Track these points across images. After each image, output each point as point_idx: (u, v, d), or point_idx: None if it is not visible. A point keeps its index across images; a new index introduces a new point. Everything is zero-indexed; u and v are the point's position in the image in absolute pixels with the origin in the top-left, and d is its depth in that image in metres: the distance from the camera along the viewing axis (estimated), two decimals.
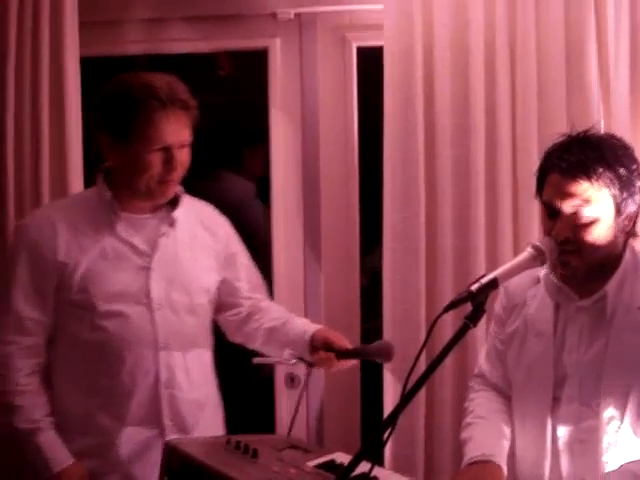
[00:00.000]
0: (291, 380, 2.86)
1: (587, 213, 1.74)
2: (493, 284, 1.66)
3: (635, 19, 2.47)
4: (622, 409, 1.74)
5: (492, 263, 2.46)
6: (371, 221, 2.76)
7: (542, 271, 1.88)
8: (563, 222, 1.76)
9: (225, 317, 2.36)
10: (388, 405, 2.63)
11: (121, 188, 2.17)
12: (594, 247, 1.76)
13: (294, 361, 2.33)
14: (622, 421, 1.74)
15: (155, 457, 2.01)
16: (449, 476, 2.48)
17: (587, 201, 1.73)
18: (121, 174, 2.16)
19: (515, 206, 2.56)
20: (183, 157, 2.13)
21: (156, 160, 2.09)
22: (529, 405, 1.88)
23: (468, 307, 1.65)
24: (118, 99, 2.10)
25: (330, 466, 1.85)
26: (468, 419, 1.99)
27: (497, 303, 2.04)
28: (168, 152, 2.09)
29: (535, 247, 1.74)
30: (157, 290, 2.16)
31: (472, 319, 1.61)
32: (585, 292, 1.82)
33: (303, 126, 2.84)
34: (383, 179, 2.63)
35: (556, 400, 1.83)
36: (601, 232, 1.76)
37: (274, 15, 2.82)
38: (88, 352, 2.14)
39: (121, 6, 2.84)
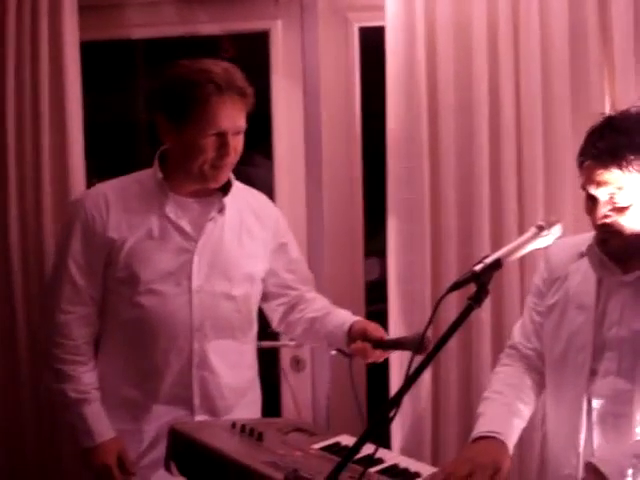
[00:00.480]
0: (296, 363, 2.86)
1: (621, 199, 1.78)
2: (497, 264, 1.65)
3: None
4: None
5: (497, 244, 2.45)
6: (375, 204, 2.75)
7: (586, 245, 1.91)
8: (600, 207, 1.81)
9: (270, 306, 2.40)
10: (394, 388, 2.63)
11: (175, 170, 2.21)
12: (632, 229, 1.80)
13: (334, 352, 2.34)
14: None
15: None
16: None
17: (620, 188, 1.77)
18: (176, 157, 2.20)
19: (519, 187, 2.54)
20: (237, 143, 2.16)
21: (210, 144, 2.12)
22: (565, 377, 1.90)
23: (473, 288, 1.64)
24: (176, 83, 2.14)
25: (335, 448, 1.87)
26: (486, 393, 2.01)
27: (537, 276, 2.07)
28: (222, 137, 2.12)
29: (538, 226, 1.74)
30: (198, 274, 2.20)
31: (476, 300, 1.61)
32: (629, 267, 1.85)
33: (306, 108, 2.82)
34: (386, 160, 2.61)
35: (592, 373, 1.85)
36: (638, 215, 1.79)
37: None
38: (126, 328, 2.22)
39: None
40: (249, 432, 1.91)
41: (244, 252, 2.27)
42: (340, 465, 1.49)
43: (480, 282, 1.61)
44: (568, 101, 2.50)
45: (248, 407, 2.32)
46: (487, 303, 2.51)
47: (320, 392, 2.85)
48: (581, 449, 1.87)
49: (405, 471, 1.76)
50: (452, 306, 2.33)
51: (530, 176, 2.52)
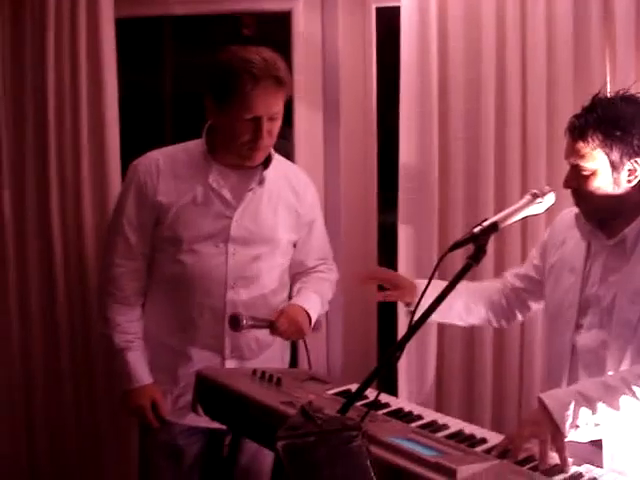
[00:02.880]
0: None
1: (584, 167, 1.96)
2: (493, 227, 1.81)
3: None
4: (632, 333, 1.93)
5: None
6: (390, 180, 2.87)
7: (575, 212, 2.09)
8: (570, 174, 2.00)
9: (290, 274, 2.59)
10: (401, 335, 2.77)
11: (219, 144, 2.41)
12: (594, 195, 1.97)
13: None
14: (629, 342, 1.93)
15: None
16: (458, 414, 2.66)
17: (583, 157, 1.95)
18: (219, 133, 2.39)
19: (523, 160, 2.69)
20: (272, 127, 2.33)
21: (245, 128, 2.30)
22: (557, 330, 2.11)
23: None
24: (220, 69, 2.31)
25: (346, 394, 1.99)
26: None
27: (543, 238, 2.29)
28: (257, 122, 2.29)
29: (533, 194, 1.90)
30: (235, 237, 2.39)
31: (474, 258, 1.76)
32: (611, 234, 2.02)
33: (324, 86, 2.95)
34: (399, 137, 2.75)
35: (579, 326, 2.04)
36: (599, 183, 1.96)
37: None
38: (169, 282, 2.43)
39: None
40: (268, 378, 2.07)
41: (279, 221, 2.46)
42: (352, 398, 1.64)
43: (478, 242, 1.77)
44: (571, 76, 2.61)
45: (274, 358, 2.51)
46: (490, 268, 2.68)
47: (335, 348, 3.02)
48: (564, 383, 2.05)
49: (435, 422, 1.91)
50: (457, 266, 2.48)
51: (534, 147, 2.66)
